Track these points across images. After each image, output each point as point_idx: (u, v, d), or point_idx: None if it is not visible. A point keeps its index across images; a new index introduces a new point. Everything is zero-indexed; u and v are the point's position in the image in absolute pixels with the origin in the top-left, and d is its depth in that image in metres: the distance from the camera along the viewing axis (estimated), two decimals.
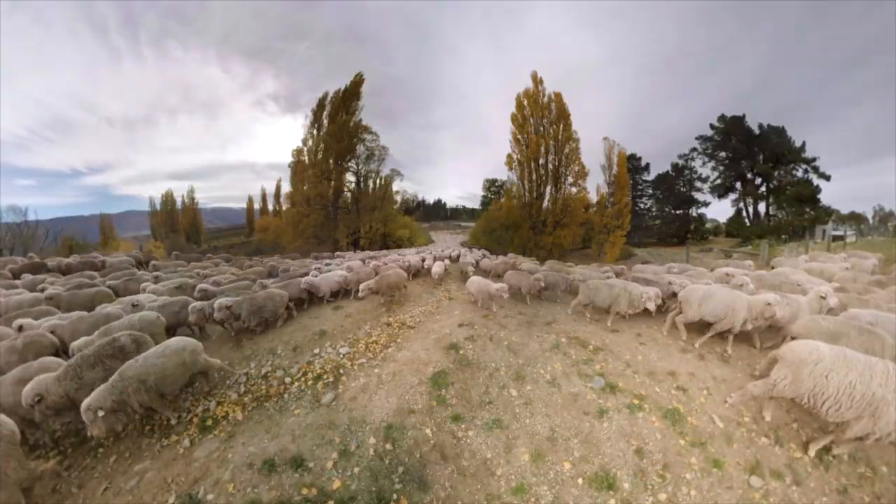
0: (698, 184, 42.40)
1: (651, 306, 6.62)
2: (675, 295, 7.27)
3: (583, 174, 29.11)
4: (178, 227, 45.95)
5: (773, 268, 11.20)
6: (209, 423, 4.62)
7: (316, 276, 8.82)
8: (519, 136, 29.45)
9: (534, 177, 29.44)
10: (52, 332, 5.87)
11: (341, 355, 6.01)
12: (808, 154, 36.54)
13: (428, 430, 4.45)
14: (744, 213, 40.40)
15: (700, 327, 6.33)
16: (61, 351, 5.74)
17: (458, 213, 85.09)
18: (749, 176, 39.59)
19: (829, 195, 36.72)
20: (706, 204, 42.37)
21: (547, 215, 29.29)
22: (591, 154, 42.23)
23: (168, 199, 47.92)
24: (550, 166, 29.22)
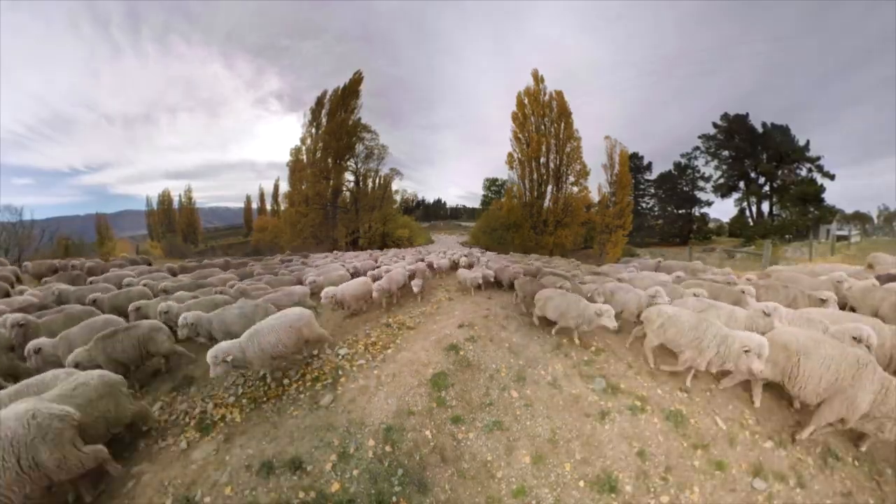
0: (701, 183, 42.32)
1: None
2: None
3: (584, 173, 29.10)
4: (176, 227, 46.03)
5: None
6: (206, 424, 4.59)
7: None
8: (520, 135, 29.42)
9: (535, 176, 29.39)
10: None
11: (340, 356, 5.96)
12: (812, 153, 36.40)
13: (428, 432, 4.41)
14: (747, 213, 40.27)
15: None
16: None
17: (459, 213, 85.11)
18: (752, 175, 39.39)
19: (833, 194, 36.57)
20: (709, 203, 42.33)
21: (548, 215, 29.24)
22: (593, 153, 42.11)
23: (165, 198, 48.00)
24: (552, 165, 29.18)
